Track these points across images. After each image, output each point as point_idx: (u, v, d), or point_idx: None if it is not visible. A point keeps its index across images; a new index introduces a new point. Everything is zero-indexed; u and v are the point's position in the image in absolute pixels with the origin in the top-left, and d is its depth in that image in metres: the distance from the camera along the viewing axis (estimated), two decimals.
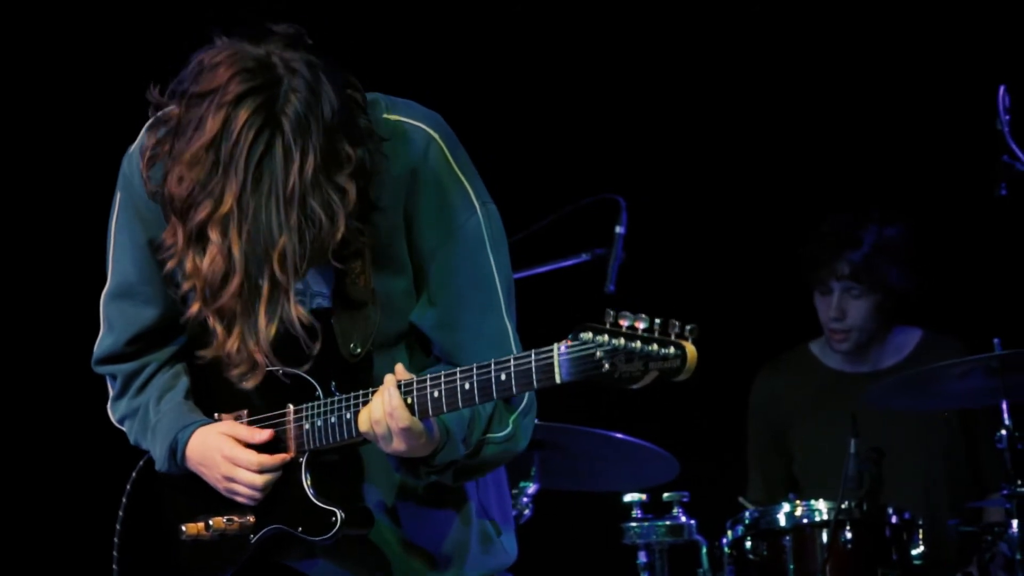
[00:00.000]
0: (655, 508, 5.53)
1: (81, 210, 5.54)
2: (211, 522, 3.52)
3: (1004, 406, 5.37)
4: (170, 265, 3.33)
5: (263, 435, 3.47)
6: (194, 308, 3.30)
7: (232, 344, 3.29)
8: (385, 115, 3.42)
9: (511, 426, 3.46)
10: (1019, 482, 5.30)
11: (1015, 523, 5.30)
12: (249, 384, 3.36)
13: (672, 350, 3.04)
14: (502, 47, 6.70)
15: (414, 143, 3.42)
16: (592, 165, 6.69)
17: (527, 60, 6.74)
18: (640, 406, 6.71)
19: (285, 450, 3.46)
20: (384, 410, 3.29)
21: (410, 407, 3.28)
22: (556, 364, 3.14)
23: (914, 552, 5.39)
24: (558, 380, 3.15)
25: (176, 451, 3.52)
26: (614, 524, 5.55)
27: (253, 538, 3.50)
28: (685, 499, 5.50)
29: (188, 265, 3.27)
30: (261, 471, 3.44)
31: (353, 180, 3.26)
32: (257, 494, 3.45)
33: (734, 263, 6.77)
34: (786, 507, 5.43)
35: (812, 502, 5.40)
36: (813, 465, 6.17)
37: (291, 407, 3.47)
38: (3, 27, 6.41)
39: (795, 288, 6.50)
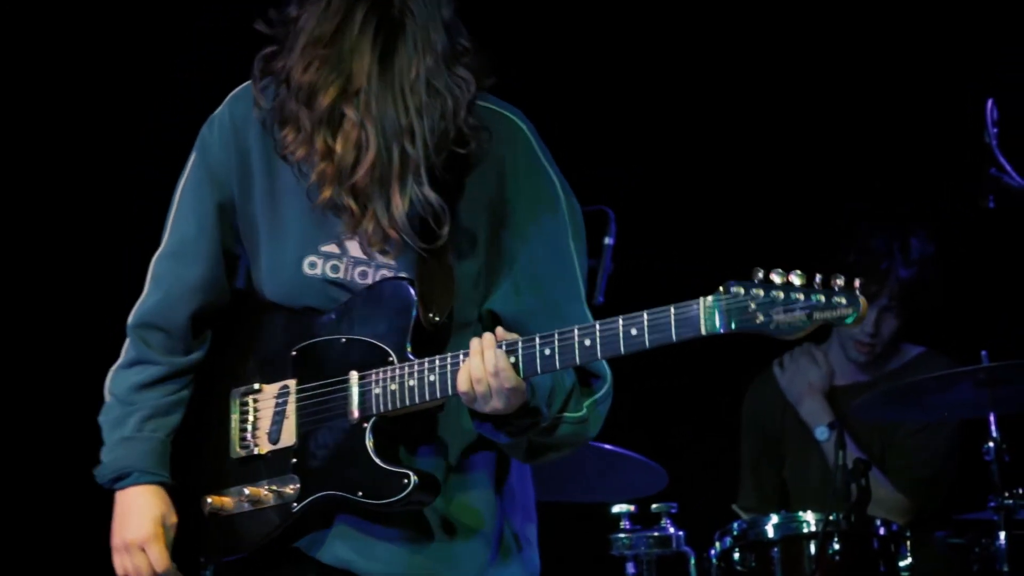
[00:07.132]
0: (643, 519, 5.52)
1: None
2: (247, 491, 3.48)
3: (991, 418, 5.38)
4: (298, 155, 3.38)
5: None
6: (327, 192, 3.36)
7: (367, 223, 3.35)
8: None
9: (585, 410, 3.47)
10: (1006, 494, 5.31)
11: (1002, 535, 5.31)
12: (386, 258, 3.42)
13: (844, 299, 3.10)
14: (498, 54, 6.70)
15: (503, 130, 3.49)
16: (581, 177, 6.68)
17: (519, 69, 6.73)
18: (629, 417, 6.73)
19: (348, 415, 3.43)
20: (487, 369, 3.28)
21: (514, 366, 3.28)
22: (703, 314, 3.21)
23: (902, 564, 5.39)
24: (703, 332, 3.20)
25: (121, 480, 3.52)
26: (602, 535, 5.55)
27: (296, 507, 3.45)
28: (673, 510, 5.49)
29: (319, 146, 3.34)
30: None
31: (471, 72, 3.38)
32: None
33: (723, 274, 6.75)
34: (774, 518, 5.43)
35: (800, 513, 5.40)
36: (802, 476, 6.17)
37: (354, 374, 3.43)
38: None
39: None
